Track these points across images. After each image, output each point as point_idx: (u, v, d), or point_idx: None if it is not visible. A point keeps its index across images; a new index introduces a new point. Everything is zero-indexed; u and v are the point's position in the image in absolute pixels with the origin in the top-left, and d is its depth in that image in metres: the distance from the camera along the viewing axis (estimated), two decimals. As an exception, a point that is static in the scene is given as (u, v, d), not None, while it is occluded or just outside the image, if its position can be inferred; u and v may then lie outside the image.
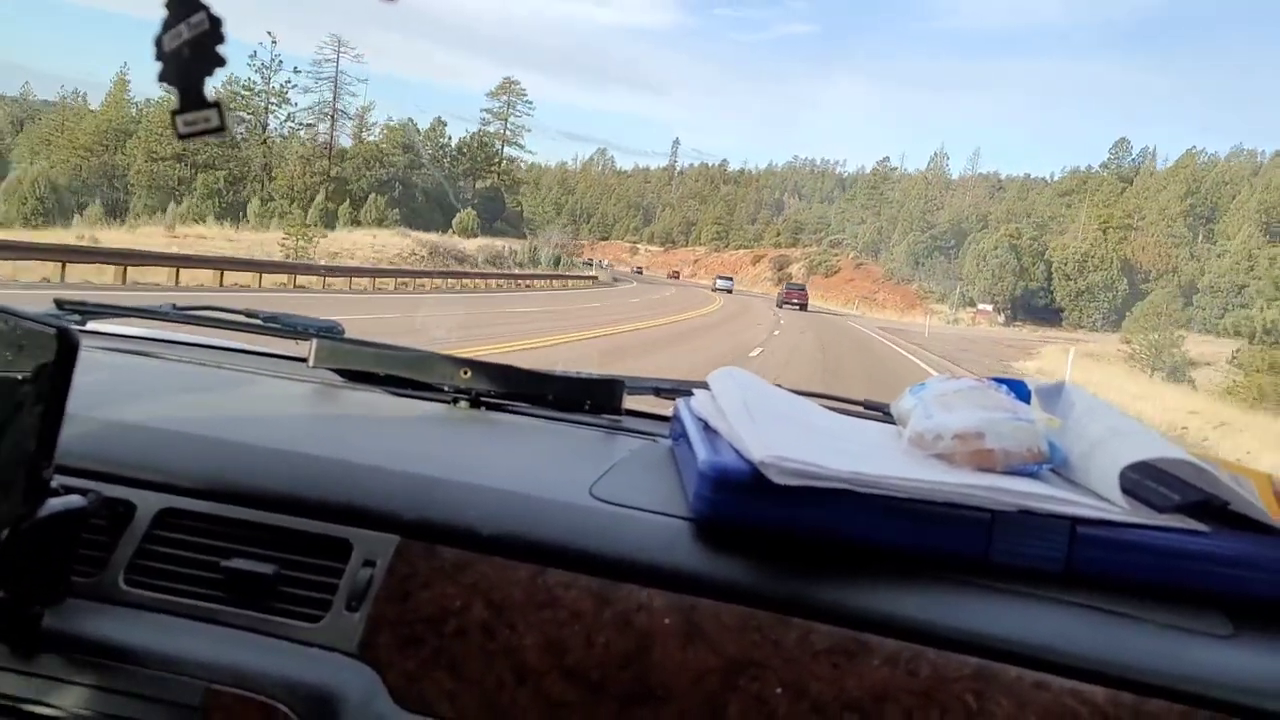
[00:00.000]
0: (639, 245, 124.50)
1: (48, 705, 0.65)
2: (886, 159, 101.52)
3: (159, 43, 0.57)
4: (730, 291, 63.52)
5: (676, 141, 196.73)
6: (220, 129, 0.59)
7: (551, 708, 0.65)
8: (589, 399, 1.12)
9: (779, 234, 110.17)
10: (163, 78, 0.58)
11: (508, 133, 68.67)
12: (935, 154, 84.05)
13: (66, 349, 0.58)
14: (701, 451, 0.77)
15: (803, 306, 46.67)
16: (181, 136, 0.59)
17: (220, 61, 0.58)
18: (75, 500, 0.64)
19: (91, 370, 0.95)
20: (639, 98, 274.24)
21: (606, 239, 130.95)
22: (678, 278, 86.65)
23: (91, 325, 1.29)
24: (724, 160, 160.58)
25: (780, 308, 44.13)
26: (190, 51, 0.57)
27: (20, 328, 0.60)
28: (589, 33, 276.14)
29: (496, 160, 61.46)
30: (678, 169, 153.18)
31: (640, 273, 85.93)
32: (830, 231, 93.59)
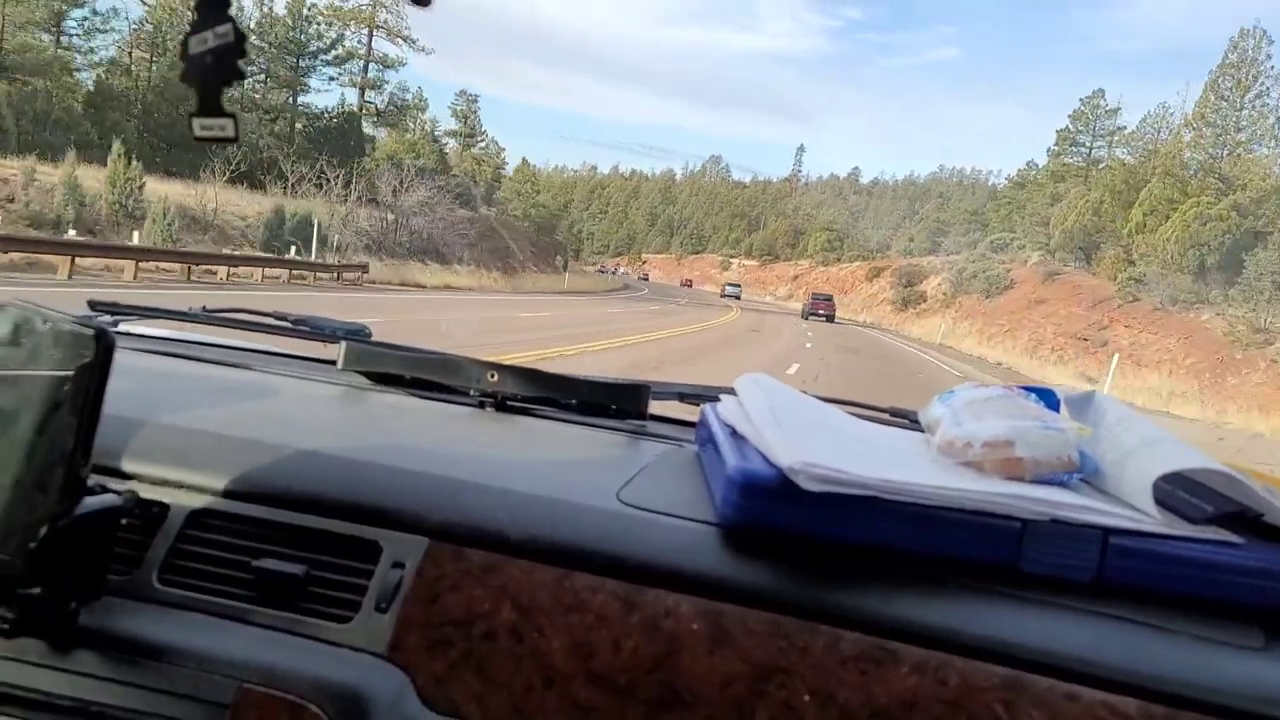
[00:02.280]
0: (734, 259, 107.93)
1: (82, 701, 0.66)
2: (1032, 160, 71.26)
3: (185, 44, 0.59)
4: (738, 298, 64.70)
5: (801, 149, 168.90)
6: (234, 139, 0.61)
7: (579, 712, 0.65)
8: (614, 403, 1.13)
9: (911, 239, 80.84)
10: (184, 78, 0.60)
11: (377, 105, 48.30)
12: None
13: (104, 349, 0.59)
14: (729, 457, 0.77)
15: (829, 318, 45.41)
16: (196, 139, 0.62)
17: (240, 76, 0.60)
18: (111, 499, 0.66)
19: (124, 371, 0.94)
20: (770, 121, 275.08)
21: (700, 253, 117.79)
22: (690, 286, 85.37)
23: (123, 326, 1.30)
24: (855, 169, 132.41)
25: (806, 319, 42.97)
26: (213, 60, 0.59)
27: (58, 328, 0.61)
28: (725, 59, 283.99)
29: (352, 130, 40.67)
30: (802, 180, 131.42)
31: (646, 279, 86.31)
32: (991, 231, 63.36)
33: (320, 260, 22.70)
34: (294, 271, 19.89)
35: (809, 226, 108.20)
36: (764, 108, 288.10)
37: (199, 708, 0.65)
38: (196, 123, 0.60)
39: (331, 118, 39.68)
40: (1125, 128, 56.05)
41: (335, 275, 21.39)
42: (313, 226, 23.56)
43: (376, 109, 45.01)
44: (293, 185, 28.32)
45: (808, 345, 22.29)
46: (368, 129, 45.02)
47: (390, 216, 30.45)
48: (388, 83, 47.43)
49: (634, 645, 0.66)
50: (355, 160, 31.51)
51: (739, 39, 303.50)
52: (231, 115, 0.60)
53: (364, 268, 22.64)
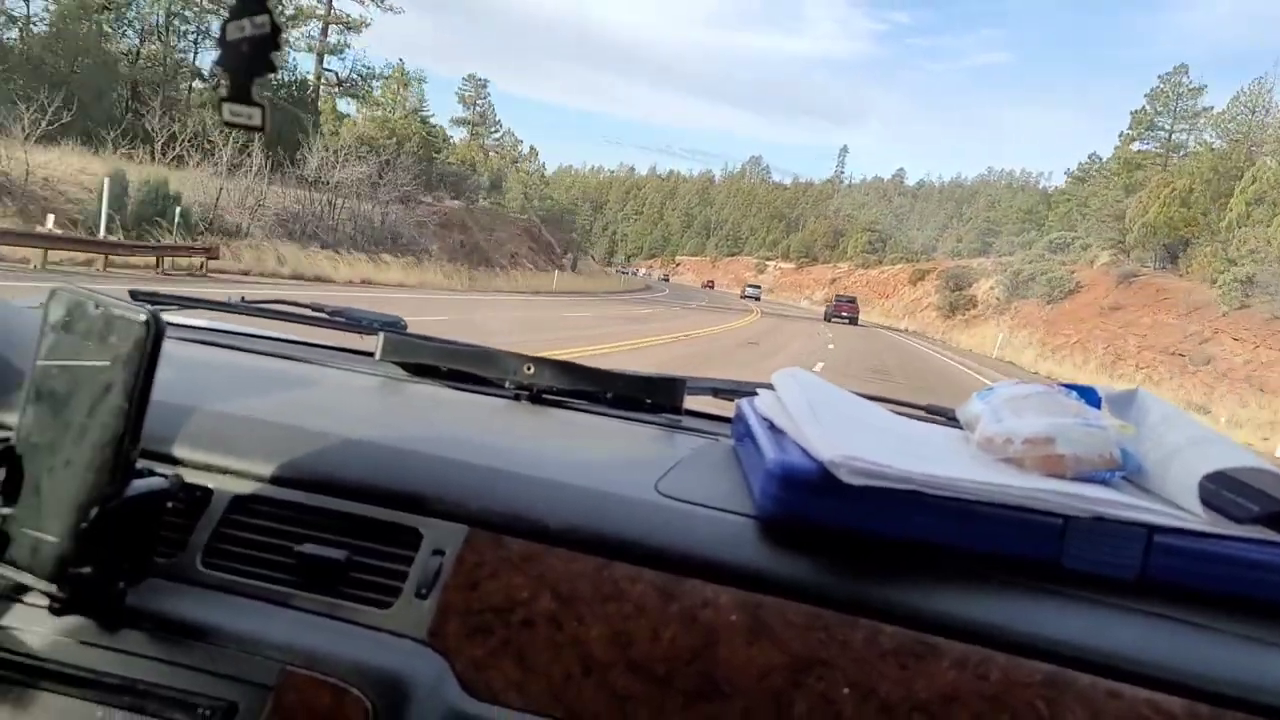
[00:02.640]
0: (770, 261, 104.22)
1: (129, 679, 0.67)
2: (1094, 153, 63.51)
3: (223, 29, 0.60)
4: (758, 299, 64.50)
5: (844, 150, 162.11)
6: (261, 128, 0.62)
7: (617, 700, 0.65)
8: (649, 397, 1.13)
9: (959, 240, 74.26)
10: (219, 62, 0.61)
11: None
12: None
13: (155, 335, 0.61)
14: (768, 450, 0.77)
15: (852, 320, 44.15)
16: (226, 124, 0.63)
17: (273, 68, 0.61)
18: (158, 482, 0.67)
19: (168, 359, 0.98)
20: (814, 124, 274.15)
21: (735, 254, 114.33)
22: (711, 287, 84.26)
23: (166, 317, 1.31)
24: (900, 170, 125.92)
25: (828, 321, 42.43)
26: (249, 48, 0.60)
27: (109, 313, 0.62)
28: (770, 63, 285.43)
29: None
30: (845, 182, 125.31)
31: (668, 280, 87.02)
32: (1048, 230, 56.40)
33: (182, 242, 17.08)
34: (76, 251, 13.93)
35: (850, 227, 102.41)
36: (808, 111, 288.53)
37: (243, 688, 0.66)
38: (226, 108, 0.62)
39: (280, 86, 34.02)
40: (1212, 108, 48.81)
41: (157, 260, 15.63)
42: (172, 199, 17.93)
43: (337, 78, 39.43)
44: (162, 148, 21.94)
45: (819, 367, 15.41)
46: (343, 107, 39.85)
47: (320, 197, 25.01)
48: (349, 47, 42.16)
49: (672, 635, 0.66)
50: (306, 133, 26.07)
51: (785, 43, 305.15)
52: (260, 105, 0.61)
53: (209, 251, 16.65)
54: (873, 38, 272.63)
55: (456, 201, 36.92)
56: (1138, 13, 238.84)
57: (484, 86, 59.72)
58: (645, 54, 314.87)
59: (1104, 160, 57.88)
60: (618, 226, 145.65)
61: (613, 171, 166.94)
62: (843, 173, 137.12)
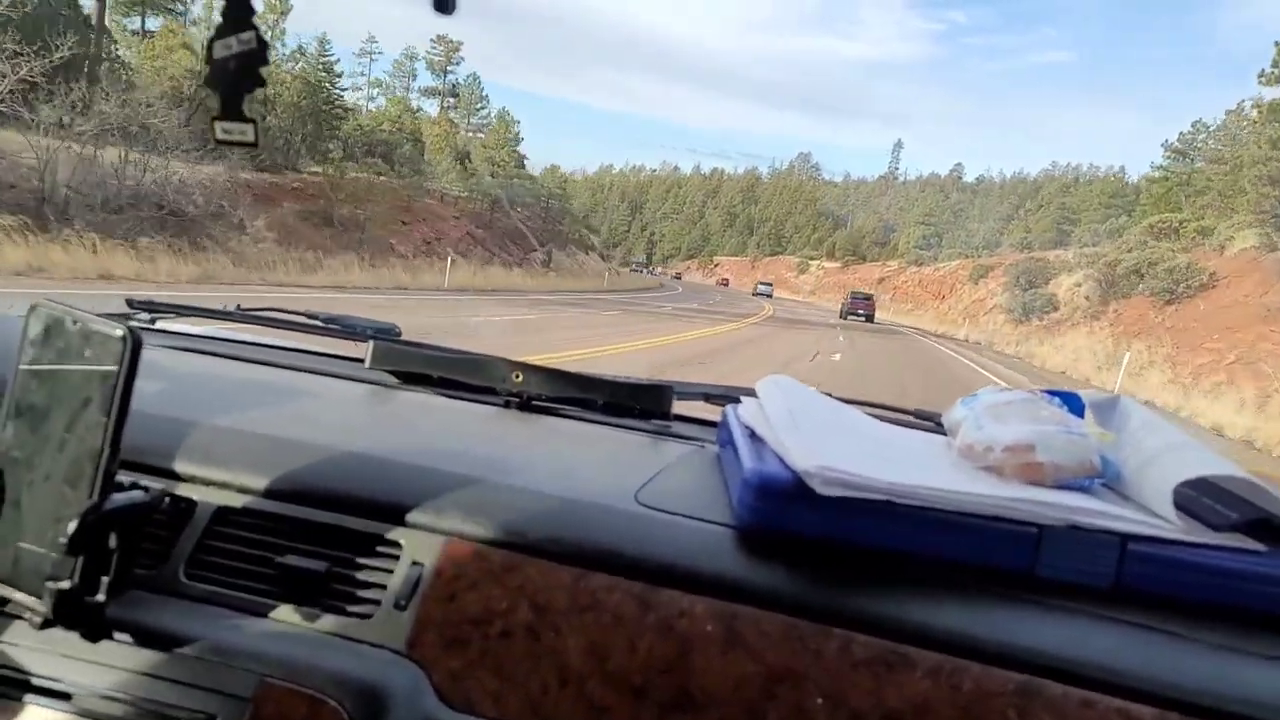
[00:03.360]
0: (813, 260, 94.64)
1: (109, 692, 0.68)
2: (1199, 120, 51.48)
3: (210, 47, 0.60)
4: (770, 296, 63.94)
5: (898, 144, 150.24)
6: (254, 144, 0.63)
7: (593, 711, 0.66)
8: (638, 403, 1.14)
9: (1027, 230, 63.41)
10: (208, 82, 0.61)
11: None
12: None
13: (132, 348, 0.61)
14: (746, 459, 0.77)
15: (868, 318, 42.03)
16: (218, 142, 0.63)
17: (262, 82, 0.61)
18: (140, 495, 0.67)
19: (157, 368, 1.01)
20: (867, 126, 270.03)
21: (779, 253, 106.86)
22: (726, 285, 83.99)
23: (160, 324, 1.34)
24: (957, 165, 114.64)
25: (845, 319, 40.10)
26: (236, 65, 0.60)
27: (88, 327, 0.62)
28: (823, 65, 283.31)
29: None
30: (899, 178, 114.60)
31: (679, 278, 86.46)
32: (1141, 215, 45.23)
33: None
34: None
35: (902, 221, 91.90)
36: (861, 114, 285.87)
37: (221, 700, 0.66)
38: (218, 126, 0.62)
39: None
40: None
41: None
42: None
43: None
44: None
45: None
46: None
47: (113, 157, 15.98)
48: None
49: (649, 646, 0.67)
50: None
51: (839, 45, 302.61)
52: (253, 120, 0.62)
53: None
54: (929, 38, 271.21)
55: (319, 172, 27.28)
56: (1202, 8, 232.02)
57: (456, 50, 50.59)
58: (701, 61, 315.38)
59: (1212, 128, 46.49)
60: (656, 226, 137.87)
61: (654, 171, 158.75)
62: (897, 168, 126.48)
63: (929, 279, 58.64)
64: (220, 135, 0.63)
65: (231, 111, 0.62)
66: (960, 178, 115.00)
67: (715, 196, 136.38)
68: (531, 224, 42.92)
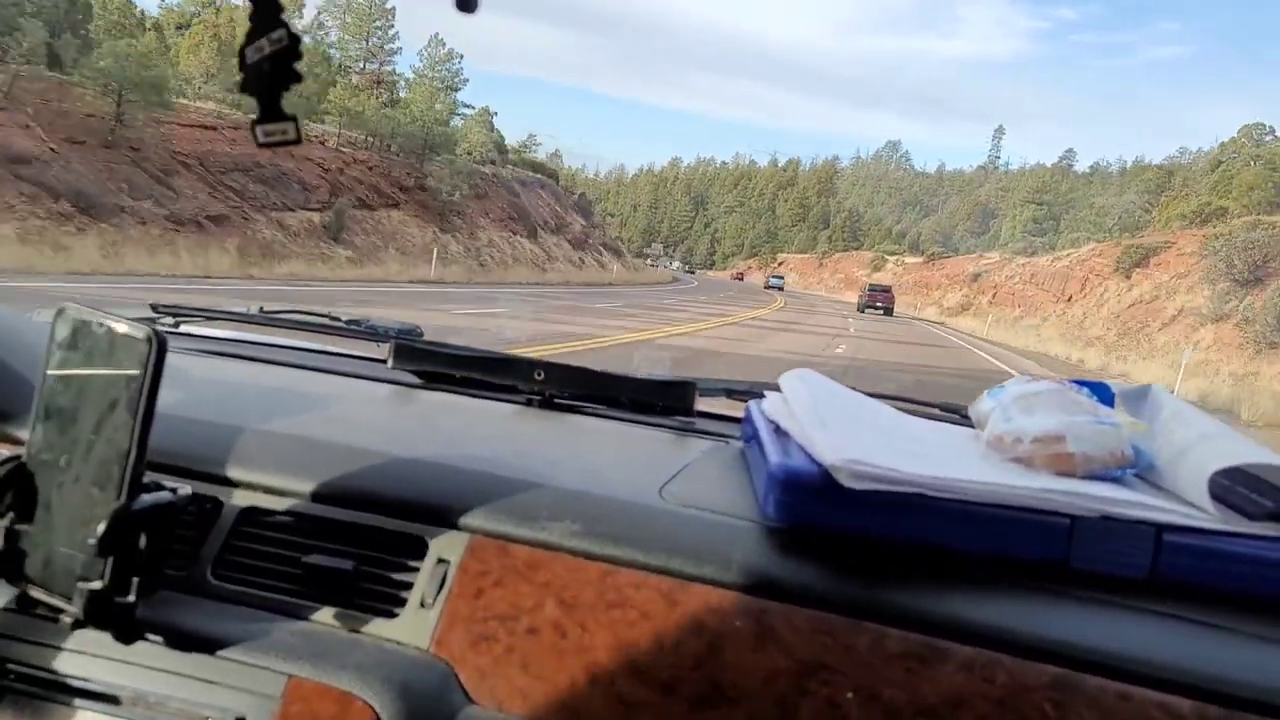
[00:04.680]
0: (890, 256, 78.70)
1: (140, 691, 0.68)
2: None
3: (243, 54, 0.61)
4: (782, 289, 61.51)
5: (999, 130, 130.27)
6: (296, 140, 0.62)
7: (622, 707, 0.65)
8: (661, 401, 1.14)
9: (1173, 203, 45.10)
10: (244, 88, 0.61)
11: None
12: None
13: (157, 350, 0.61)
14: (772, 454, 0.77)
15: (888, 311, 39.60)
16: (261, 145, 0.63)
17: (298, 77, 0.61)
18: (167, 495, 0.67)
19: (183, 371, 1.02)
20: (964, 126, 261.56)
21: (856, 248, 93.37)
22: (741, 279, 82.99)
23: (184, 328, 1.36)
24: (1068, 152, 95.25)
25: (862, 312, 38.55)
26: (270, 65, 0.60)
27: (114, 331, 0.63)
28: (921, 65, 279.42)
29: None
30: (1000, 167, 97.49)
31: (693, 272, 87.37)
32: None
33: None
34: None
35: (1004, 205, 73.49)
36: (956, 111, 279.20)
37: (250, 699, 0.66)
38: (259, 130, 0.62)
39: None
40: None
41: None
42: None
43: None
44: None
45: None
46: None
47: None
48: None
49: (677, 642, 0.66)
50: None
51: (939, 45, 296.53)
52: (293, 118, 0.61)
53: None
54: (1034, 36, 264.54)
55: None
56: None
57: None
58: (797, 62, 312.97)
59: None
60: (719, 222, 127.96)
61: (724, 163, 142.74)
62: (998, 157, 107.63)
63: (1044, 272, 41.21)
64: (263, 139, 0.62)
65: (272, 114, 0.61)
66: (1070, 166, 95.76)
67: (788, 189, 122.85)
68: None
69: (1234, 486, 0.73)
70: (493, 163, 39.99)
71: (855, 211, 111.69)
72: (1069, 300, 36.27)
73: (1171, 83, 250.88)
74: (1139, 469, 0.76)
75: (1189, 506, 0.70)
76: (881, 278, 69.52)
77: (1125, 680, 0.61)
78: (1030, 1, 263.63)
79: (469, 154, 36.07)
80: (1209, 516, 0.68)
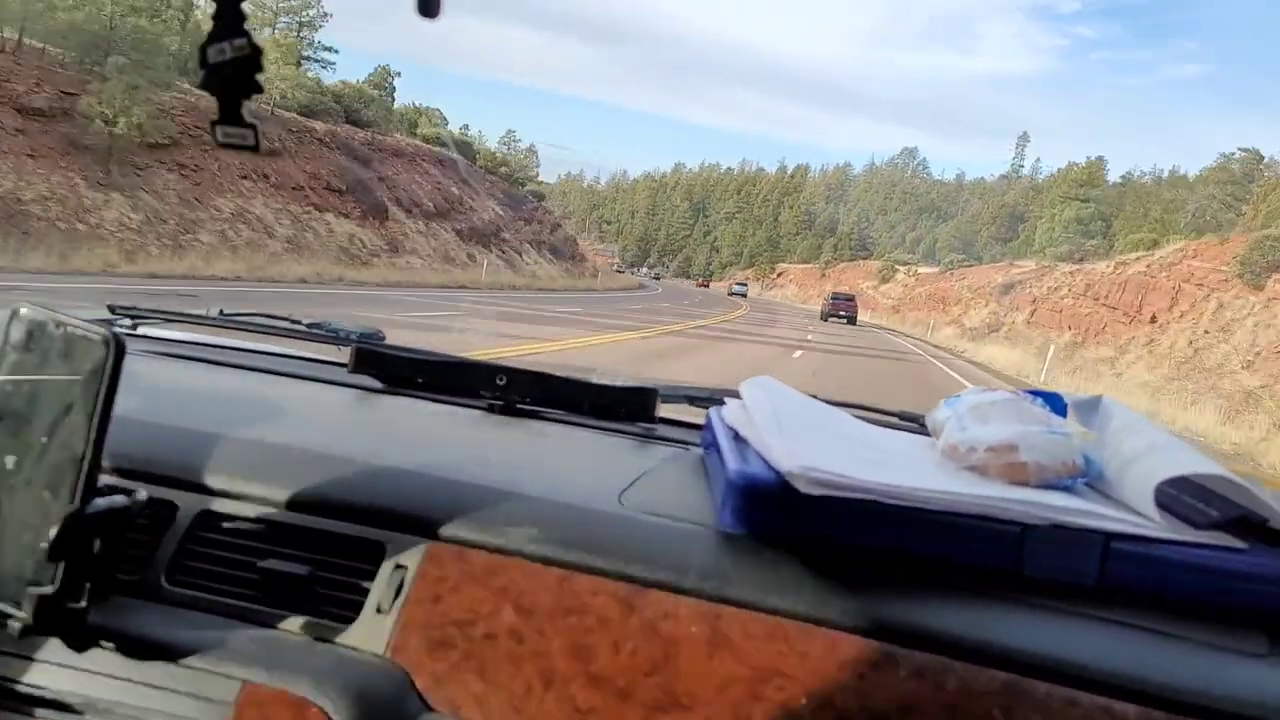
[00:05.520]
0: (901, 266, 68.58)
1: (91, 698, 0.67)
2: None
3: (204, 52, 0.60)
4: (745, 296, 63.80)
5: (1024, 137, 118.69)
6: (255, 148, 0.62)
7: (578, 713, 0.65)
8: (623, 407, 1.13)
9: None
10: (205, 85, 0.61)
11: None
12: None
13: (115, 353, 0.60)
14: (731, 461, 0.77)
15: (850, 320, 39.15)
16: (220, 145, 0.62)
17: (259, 89, 0.61)
18: (121, 500, 0.66)
19: (140, 374, 1.01)
20: (987, 144, 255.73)
21: (862, 258, 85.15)
22: (706, 287, 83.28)
23: (142, 330, 1.34)
24: (1098, 158, 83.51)
25: (825, 321, 37.91)
26: (232, 70, 0.60)
27: (70, 332, 0.62)
28: (940, 82, 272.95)
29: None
30: (1022, 173, 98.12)
31: (658, 278, 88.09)
32: None
33: None
34: None
35: (1036, 206, 62.41)
36: (975, 127, 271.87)
37: (202, 705, 0.66)
38: (219, 130, 0.61)
39: None
40: None
41: None
42: None
43: None
44: None
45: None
46: None
47: None
48: None
49: (633, 648, 0.66)
50: None
51: (958, 61, 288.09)
52: (253, 126, 0.61)
53: None
54: (1054, 53, 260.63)
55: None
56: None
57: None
58: (812, 77, 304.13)
59: None
60: (719, 229, 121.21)
61: (729, 168, 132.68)
62: (1021, 165, 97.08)
63: (1105, 281, 29.82)
64: (222, 139, 0.62)
65: (232, 117, 0.61)
66: (1101, 171, 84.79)
67: (794, 195, 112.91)
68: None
69: (1180, 496, 0.74)
70: (362, 122, 30.39)
71: (865, 217, 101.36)
72: (1152, 320, 25.11)
73: (1192, 100, 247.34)
74: (1090, 478, 0.77)
75: (1137, 515, 0.71)
76: (892, 289, 59.18)
77: (1073, 686, 0.62)
78: (1049, 19, 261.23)
79: (283, 97, 25.25)
80: (1155, 525, 0.70)
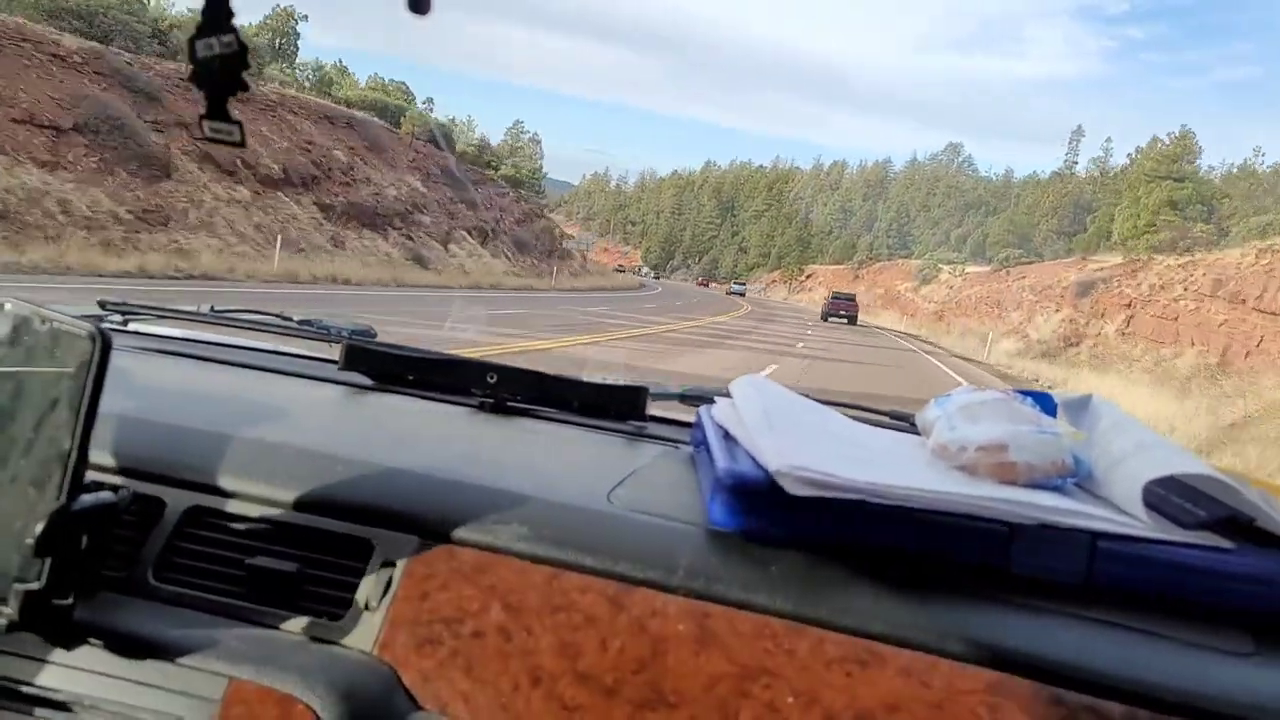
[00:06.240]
0: (946, 265, 58.94)
1: (76, 695, 0.67)
2: None
3: (191, 47, 0.60)
4: (743, 295, 63.23)
5: (1078, 131, 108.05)
6: (240, 143, 0.62)
7: (565, 711, 0.65)
8: (613, 405, 1.14)
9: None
10: (192, 79, 0.60)
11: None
12: None
13: (101, 349, 0.60)
14: (720, 460, 0.78)
15: (851, 320, 38.71)
16: (208, 140, 0.63)
17: (244, 86, 0.61)
18: (108, 496, 0.66)
19: (128, 370, 1.02)
20: (1035, 149, 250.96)
21: (901, 257, 77.85)
22: (706, 286, 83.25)
23: (133, 326, 1.34)
24: (1187, 130, 72.56)
25: (826, 320, 37.77)
26: (219, 66, 0.60)
27: (57, 328, 0.62)
28: (985, 85, 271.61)
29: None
30: (1076, 169, 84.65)
31: (657, 277, 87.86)
32: None
33: None
34: None
35: (1102, 196, 53.51)
36: (1021, 132, 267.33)
37: (189, 702, 0.65)
38: (206, 125, 0.61)
39: None
40: None
41: None
42: None
43: None
44: None
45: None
46: None
47: None
48: None
49: (621, 645, 0.66)
50: None
51: (1003, 65, 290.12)
52: (238, 123, 0.62)
53: None
54: (1101, 55, 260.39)
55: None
56: None
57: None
58: (858, 82, 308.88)
59: None
60: (746, 228, 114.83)
61: (760, 166, 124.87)
62: (1075, 161, 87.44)
63: (1245, 277, 20.07)
64: (209, 134, 0.62)
65: (218, 112, 0.61)
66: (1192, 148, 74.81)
67: (830, 193, 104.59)
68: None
69: (1168, 495, 0.75)
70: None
71: (905, 213, 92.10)
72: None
73: (1245, 101, 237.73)
74: (1079, 478, 0.77)
75: (1124, 515, 0.71)
76: (934, 292, 49.93)
77: (1059, 684, 0.62)
78: (1097, 21, 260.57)
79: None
80: (1143, 525, 0.70)
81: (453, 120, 53.16)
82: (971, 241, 69.64)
